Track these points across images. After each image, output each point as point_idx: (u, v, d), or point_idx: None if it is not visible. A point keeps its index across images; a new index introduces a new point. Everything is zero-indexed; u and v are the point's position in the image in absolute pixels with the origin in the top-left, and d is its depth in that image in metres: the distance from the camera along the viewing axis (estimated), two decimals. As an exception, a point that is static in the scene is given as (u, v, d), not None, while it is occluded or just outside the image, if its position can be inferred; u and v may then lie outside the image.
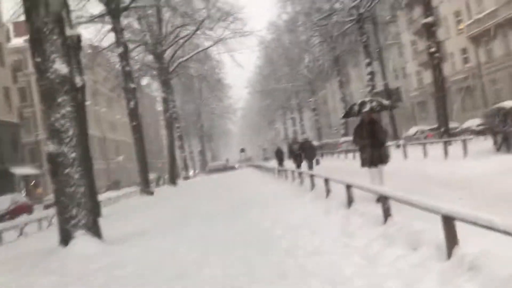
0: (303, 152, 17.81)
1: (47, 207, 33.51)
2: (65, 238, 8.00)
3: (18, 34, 53.07)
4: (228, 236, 7.40)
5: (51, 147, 8.04)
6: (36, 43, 8.09)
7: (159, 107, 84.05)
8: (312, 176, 11.06)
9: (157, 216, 12.52)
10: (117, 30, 24.77)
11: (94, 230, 8.20)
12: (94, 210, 8.48)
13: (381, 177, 8.37)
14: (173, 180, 33.84)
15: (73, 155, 8.08)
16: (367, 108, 9.08)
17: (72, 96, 8.26)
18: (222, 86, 56.24)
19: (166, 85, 36.20)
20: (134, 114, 24.92)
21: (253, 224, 8.06)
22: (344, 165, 19.48)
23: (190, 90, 56.89)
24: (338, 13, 32.56)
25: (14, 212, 27.94)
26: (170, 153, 35.48)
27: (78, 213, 8.00)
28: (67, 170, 8.00)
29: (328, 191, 9.35)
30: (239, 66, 35.89)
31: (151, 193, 24.34)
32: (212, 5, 27.55)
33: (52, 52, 8.06)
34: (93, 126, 56.28)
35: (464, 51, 41.62)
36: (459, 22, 41.47)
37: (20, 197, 31.22)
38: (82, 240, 7.86)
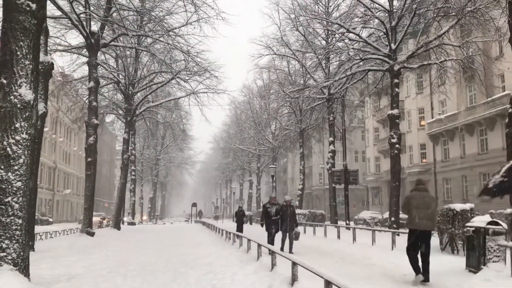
0: (282, 219, 14.25)
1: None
2: (-11, 271, 7.41)
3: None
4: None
5: (-4, 172, 7.63)
6: (7, 64, 7.88)
7: (118, 146, 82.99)
8: (259, 246, 10.89)
9: (92, 260, 11.90)
10: (92, 64, 24.67)
11: (23, 267, 7.64)
12: (28, 245, 7.95)
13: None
14: (117, 224, 32.66)
15: (19, 184, 7.69)
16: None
17: (30, 124, 7.98)
18: (186, 137, 56.29)
19: (130, 126, 35.83)
20: (91, 150, 24.32)
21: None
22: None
23: (152, 135, 56.52)
24: (310, 89, 33.71)
25: None
26: (120, 196, 34.46)
27: (9, 246, 7.49)
28: (8, 199, 7.57)
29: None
30: (206, 121, 36.10)
31: (92, 234, 23.32)
32: (191, 59, 28.01)
33: (20, 76, 7.87)
34: (46, 153, 54.40)
35: (422, 146, 43.60)
36: (421, 118, 43.75)
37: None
38: (7, 276, 7.29)
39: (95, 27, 25.12)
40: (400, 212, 21.64)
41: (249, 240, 12.58)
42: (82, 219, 26.04)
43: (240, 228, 20.00)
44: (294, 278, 7.52)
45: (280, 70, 43.64)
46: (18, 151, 7.76)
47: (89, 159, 24.40)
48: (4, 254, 7.46)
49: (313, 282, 7.19)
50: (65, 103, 57.28)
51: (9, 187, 7.62)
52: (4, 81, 7.85)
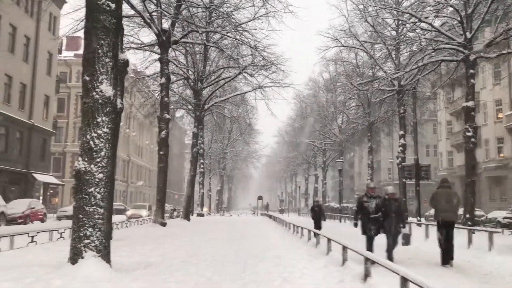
0: (385, 218, 10.99)
1: (59, 218, 33.72)
2: (74, 257, 7.93)
3: (69, 48, 55.50)
4: (238, 287, 7.20)
5: (81, 164, 8.14)
6: (89, 62, 8.36)
7: (187, 140, 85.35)
8: (329, 240, 10.80)
9: (166, 250, 12.37)
10: (164, 61, 25.52)
11: (105, 254, 8.12)
12: (109, 233, 8.42)
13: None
14: (187, 215, 33.70)
15: (100, 175, 8.15)
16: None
17: (111, 118, 8.42)
18: (252, 131, 56.84)
19: (199, 121, 36.75)
20: (163, 144, 25.23)
21: (262, 282, 7.80)
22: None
23: (220, 129, 57.58)
24: (380, 81, 32.79)
25: (28, 217, 28.22)
26: (190, 188, 35.53)
27: (93, 234, 7.97)
28: (91, 189, 8.05)
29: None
30: (272, 115, 36.28)
31: (164, 224, 24.25)
32: (258, 53, 28.19)
33: (101, 73, 8.31)
34: (121, 147, 57.18)
35: (500, 140, 41.14)
36: (499, 110, 41.25)
37: (37, 203, 31.51)
38: (91, 262, 7.78)
39: (166, 24, 25.95)
40: (476, 209, 20.64)
41: (329, 240, 11.01)
42: (154, 210, 27.17)
43: (317, 225, 17.28)
44: (367, 274, 7.40)
45: (348, 62, 42.80)
46: (99, 145, 8.21)
47: (161, 153, 25.33)
48: (88, 241, 7.94)
49: (387, 278, 7.04)
50: (137, 99, 59.83)
51: (92, 178, 8.09)
52: (87, 78, 8.33)
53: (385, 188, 11.72)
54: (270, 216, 40.93)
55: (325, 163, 60.07)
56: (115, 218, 25.24)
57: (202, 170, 48.19)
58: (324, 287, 7.35)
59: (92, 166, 8.11)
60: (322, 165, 60.63)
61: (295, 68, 32.71)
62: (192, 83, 34.41)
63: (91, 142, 8.19)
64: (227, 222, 32.95)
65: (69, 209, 35.69)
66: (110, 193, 8.44)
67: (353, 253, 8.62)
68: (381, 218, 10.89)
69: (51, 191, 47.75)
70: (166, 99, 25.64)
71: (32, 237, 13.90)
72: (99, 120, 8.25)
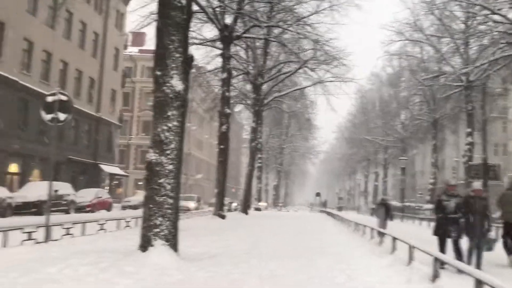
0: (466, 219, 9.54)
1: (124, 208, 35.21)
2: (144, 244, 8.25)
3: (134, 44, 57.51)
4: (303, 282, 7.20)
5: (152, 155, 8.44)
6: (160, 58, 8.62)
7: (245, 135, 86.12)
8: (395, 239, 10.55)
9: (227, 241, 12.59)
10: (226, 56, 25.87)
11: (173, 243, 8.39)
12: (177, 223, 8.68)
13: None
14: (245, 209, 34.09)
15: (170, 167, 8.41)
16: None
17: (180, 112, 8.66)
18: (311, 126, 56.43)
19: (257, 115, 36.96)
20: (224, 138, 25.63)
21: (324, 278, 7.76)
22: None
23: (278, 124, 57.66)
24: (446, 76, 31.53)
25: (95, 206, 29.63)
26: (248, 182, 35.90)
27: (162, 223, 8.25)
28: (161, 180, 8.33)
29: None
30: (332, 110, 35.84)
31: (223, 217, 24.67)
32: (320, 47, 27.90)
33: (172, 68, 8.55)
34: (181, 140, 58.72)
35: None
36: None
37: (104, 193, 33.00)
38: (160, 250, 8.07)
39: (228, 20, 26.25)
40: None
41: (394, 239, 10.33)
42: (214, 202, 27.71)
43: (382, 224, 15.89)
44: (435, 275, 7.16)
45: (412, 56, 41.46)
46: (169, 137, 8.47)
47: (221, 147, 25.76)
48: (158, 230, 8.24)
49: (458, 280, 6.79)
50: (198, 93, 61.12)
51: (162, 169, 8.37)
52: (158, 73, 8.60)
53: (472, 185, 10.75)
54: (328, 213, 40.57)
55: (386, 161, 58.68)
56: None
57: (260, 164, 48.52)
58: (391, 286, 7.19)
59: (163, 157, 8.39)
60: (383, 162, 59.27)
61: (357, 62, 32.02)
62: (252, 78, 34.64)
63: (162, 135, 8.46)
64: (285, 217, 33.01)
65: (133, 199, 37.23)
66: (178, 184, 8.69)
67: (420, 254, 8.37)
68: (461, 219, 9.54)
69: (116, 182, 49.85)
70: (227, 93, 26.00)
71: (102, 224, 14.57)
72: (169, 114, 8.50)
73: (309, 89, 37.85)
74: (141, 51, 57.30)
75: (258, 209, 44.77)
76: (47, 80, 31.77)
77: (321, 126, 66.10)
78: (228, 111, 26.00)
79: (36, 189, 24.77)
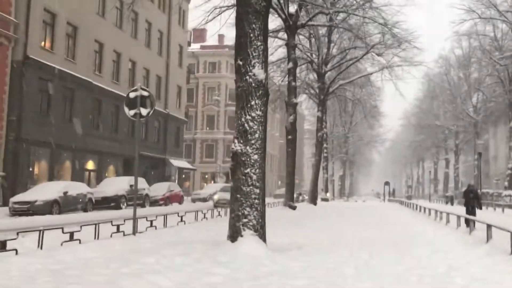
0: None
1: (194, 200, 36.01)
2: (234, 235, 8.25)
3: (196, 40, 58.50)
4: (403, 272, 6.88)
5: (237, 146, 8.40)
6: (242, 47, 8.53)
7: (306, 125, 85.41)
8: (489, 227, 9.92)
9: (308, 232, 12.44)
10: (290, 46, 25.58)
11: (261, 233, 8.33)
12: (264, 213, 8.60)
13: None
14: (314, 200, 33.78)
15: (255, 156, 8.34)
16: None
17: (263, 101, 8.55)
18: (377, 113, 54.92)
19: (322, 105, 36.39)
20: (291, 128, 25.41)
21: (425, 268, 7.38)
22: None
23: (342, 113, 56.55)
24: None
25: (168, 199, 30.49)
26: (315, 173, 35.50)
27: (250, 213, 8.21)
28: (247, 170, 8.28)
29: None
30: (400, 96, 34.57)
31: (294, 208, 24.52)
32: (388, 30, 26.88)
33: (254, 57, 8.45)
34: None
35: None
36: None
37: (175, 186, 33.86)
38: (250, 240, 8.03)
39: (291, 8, 25.90)
40: None
41: (489, 226, 9.95)
42: (278, 194, 27.63)
43: (471, 212, 14.88)
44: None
45: (484, 35, 39.16)
46: (254, 127, 8.39)
47: (289, 137, 25.57)
48: (246, 220, 8.20)
49: None
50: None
51: (248, 159, 8.31)
52: (240, 63, 8.52)
53: None
54: (401, 202, 39.35)
55: (457, 146, 56.05)
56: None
57: (325, 155, 47.87)
58: (499, 278, 6.70)
59: (248, 147, 8.32)
60: (454, 148, 56.66)
61: (425, 45, 30.65)
62: (316, 67, 34.10)
63: (246, 125, 8.39)
64: (355, 208, 32.39)
65: (202, 192, 37.96)
66: (264, 174, 8.60)
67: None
68: None
69: (183, 175, 51.12)
70: (293, 83, 25.73)
71: (181, 217, 14.88)
72: (252, 103, 8.42)
73: (375, 75, 36.69)
74: (202, 47, 58.16)
75: (325, 199, 44.32)
76: (118, 79, 32.97)
77: (387, 114, 64.33)
78: (295, 101, 25.75)
79: (113, 185, 25.87)
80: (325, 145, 47.75)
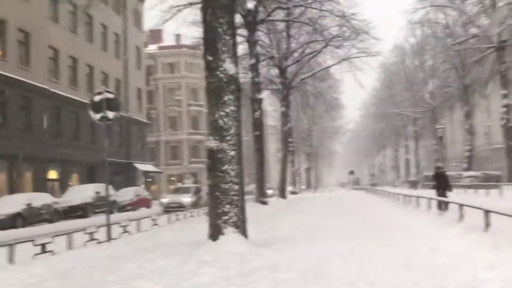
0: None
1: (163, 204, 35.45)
2: (215, 233, 8.12)
3: (152, 41, 57.59)
4: (388, 256, 6.96)
5: (212, 143, 8.26)
6: (210, 42, 8.40)
7: (270, 121, 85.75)
8: (461, 206, 10.21)
9: (286, 225, 12.41)
10: (251, 41, 25.54)
11: (243, 229, 8.24)
12: (244, 209, 8.51)
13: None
14: (283, 194, 33.93)
15: (232, 153, 8.23)
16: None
17: (236, 96, 8.45)
18: (338, 106, 55.72)
19: (285, 99, 36.56)
20: (258, 124, 25.42)
21: (408, 251, 7.50)
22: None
23: (304, 107, 56.99)
24: (477, 38, 30.57)
25: (136, 204, 29.92)
26: (282, 167, 35.64)
27: (230, 210, 8.10)
28: (225, 167, 8.16)
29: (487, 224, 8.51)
30: (360, 86, 35.13)
31: (265, 203, 24.54)
32: (345, 22, 27.22)
33: (223, 51, 8.32)
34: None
35: None
36: None
37: (142, 191, 33.29)
38: (231, 237, 7.93)
39: (250, 4, 25.81)
40: None
41: (461, 206, 10.45)
42: (253, 189, 27.60)
43: (442, 194, 14.36)
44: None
45: (436, 23, 40.32)
46: (228, 123, 8.28)
47: (256, 133, 25.55)
48: (227, 217, 8.09)
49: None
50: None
51: (225, 156, 8.20)
52: (210, 58, 8.38)
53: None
54: (367, 190, 40.10)
55: (417, 133, 57.62)
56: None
57: (292, 148, 48.14)
58: (483, 255, 6.83)
59: (224, 144, 8.21)
60: (414, 134, 58.22)
61: (380, 35, 31.12)
62: (277, 62, 34.19)
63: (220, 121, 8.27)
64: (325, 198, 32.73)
65: (170, 196, 37.49)
66: (241, 170, 8.51)
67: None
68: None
69: (150, 179, 50.29)
70: (256, 79, 25.71)
71: (154, 220, 14.62)
72: (225, 98, 8.30)
73: (334, 67, 37.11)
74: (160, 48, 57.31)
75: (294, 192, 44.65)
76: (75, 85, 32.04)
77: (347, 105, 65.33)
78: (259, 96, 25.75)
79: (78, 193, 25.14)
80: (290, 139, 48.06)
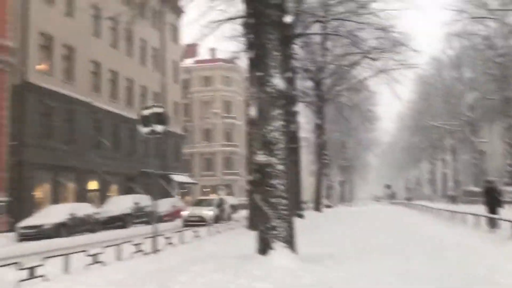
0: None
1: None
2: (264, 248, 8.12)
3: (187, 56, 58.57)
4: (445, 277, 6.79)
5: (261, 157, 8.30)
6: (259, 58, 8.50)
7: (303, 133, 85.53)
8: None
9: (330, 240, 12.30)
10: (287, 55, 25.59)
11: (292, 244, 8.22)
12: (293, 224, 8.49)
13: None
14: (317, 207, 33.70)
15: (280, 167, 8.25)
16: None
17: (284, 111, 8.50)
18: (372, 118, 55.03)
19: (320, 112, 36.47)
20: (294, 137, 25.38)
21: (464, 272, 7.29)
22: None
23: (339, 119, 56.58)
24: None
25: (172, 215, 30.27)
26: (317, 180, 35.48)
27: (279, 225, 8.10)
28: (274, 181, 8.18)
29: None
30: (397, 99, 34.58)
31: (301, 216, 24.37)
32: (384, 34, 26.96)
33: (272, 67, 8.40)
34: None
35: None
36: None
37: (178, 202, 33.68)
38: (281, 252, 7.90)
39: (288, 18, 25.89)
40: None
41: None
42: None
43: (492, 210, 13.50)
44: None
45: (475, 34, 39.47)
46: (277, 137, 8.31)
47: (293, 146, 25.47)
48: (276, 232, 8.08)
49: None
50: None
51: (273, 170, 8.21)
52: (260, 73, 8.46)
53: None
54: (405, 205, 39.30)
55: (454, 146, 56.26)
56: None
57: (326, 161, 47.78)
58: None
59: (272, 158, 8.23)
60: (451, 148, 56.87)
61: (417, 47, 30.64)
62: (312, 75, 34.19)
63: (269, 135, 8.30)
64: (361, 212, 32.29)
65: (190, 209, 37.63)
66: (289, 184, 8.50)
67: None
68: None
69: (185, 190, 50.81)
70: (293, 92, 25.74)
71: (195, 232, 14.75)
72: (274, 113, 8.35)
73: (370, 79, 36.77)
74: (196, 61, 58.22)
75: (329, 206, 44.20)
76: (115, 98, 32.86)
77: (382, 117, 64.46)
78: (295, 109, 25.75)
79: (118, 204, 25.68)
80: (324, 152, 47.73)
